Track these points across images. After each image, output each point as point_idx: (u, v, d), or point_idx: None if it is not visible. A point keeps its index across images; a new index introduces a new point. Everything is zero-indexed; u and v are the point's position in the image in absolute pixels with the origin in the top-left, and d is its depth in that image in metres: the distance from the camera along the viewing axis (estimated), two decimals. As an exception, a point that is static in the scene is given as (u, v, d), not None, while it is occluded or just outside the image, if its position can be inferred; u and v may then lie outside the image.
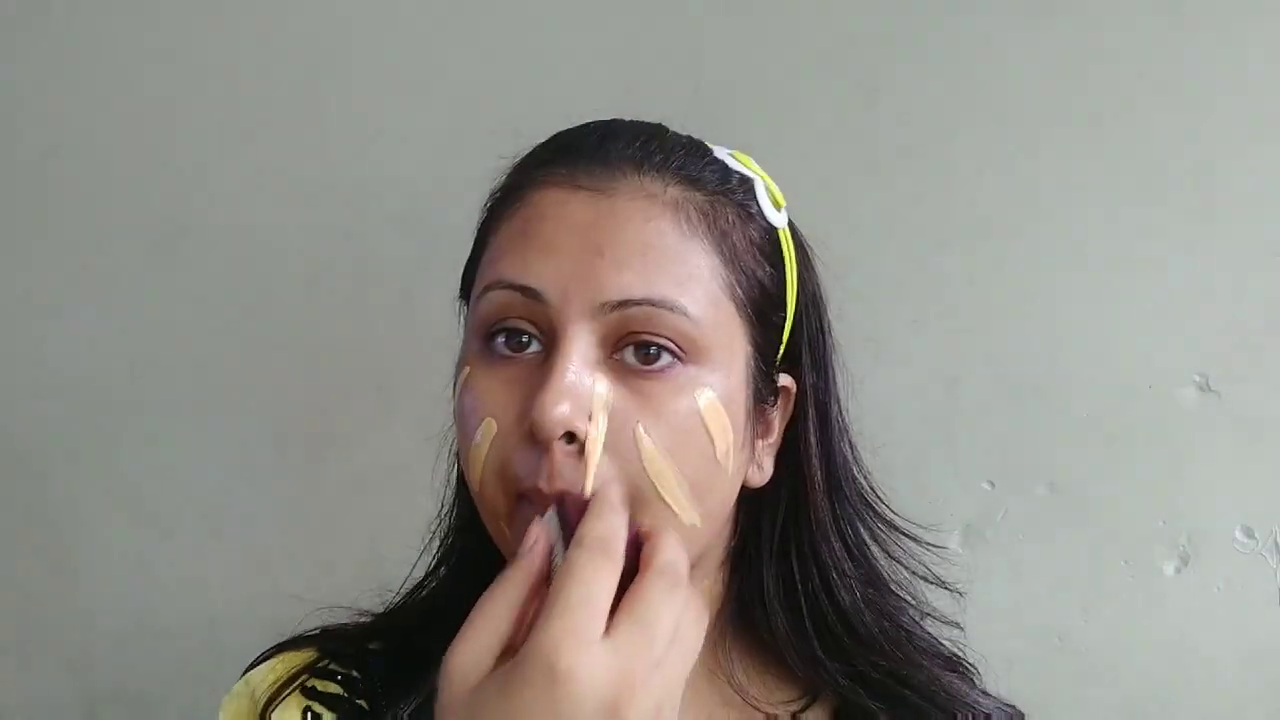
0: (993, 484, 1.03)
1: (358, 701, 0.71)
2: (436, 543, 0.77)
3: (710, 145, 0.71)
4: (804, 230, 0.75)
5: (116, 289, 1.14)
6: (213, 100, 1.13)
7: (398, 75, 1.10)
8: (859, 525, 0.73)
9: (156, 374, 1.13)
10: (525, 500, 0.63)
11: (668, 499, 0.63)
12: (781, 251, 0.70)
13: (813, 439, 0.71)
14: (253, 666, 0.75)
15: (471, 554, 0.73)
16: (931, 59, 1.03)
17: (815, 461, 0.71)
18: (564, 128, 0.74)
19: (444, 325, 0.78)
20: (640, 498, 0.62)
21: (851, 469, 0.74)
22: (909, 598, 0.75)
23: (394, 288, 1.09)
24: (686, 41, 1.06)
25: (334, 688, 0.72)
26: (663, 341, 0.63)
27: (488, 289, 0.65)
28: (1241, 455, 0.99)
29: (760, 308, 0.68)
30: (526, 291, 0.63)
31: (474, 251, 0.71)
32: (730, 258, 0.66)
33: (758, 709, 0.72)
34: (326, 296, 1.11)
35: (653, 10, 1.07)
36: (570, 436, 0.61)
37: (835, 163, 1.03)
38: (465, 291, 0.73)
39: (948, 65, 1.03)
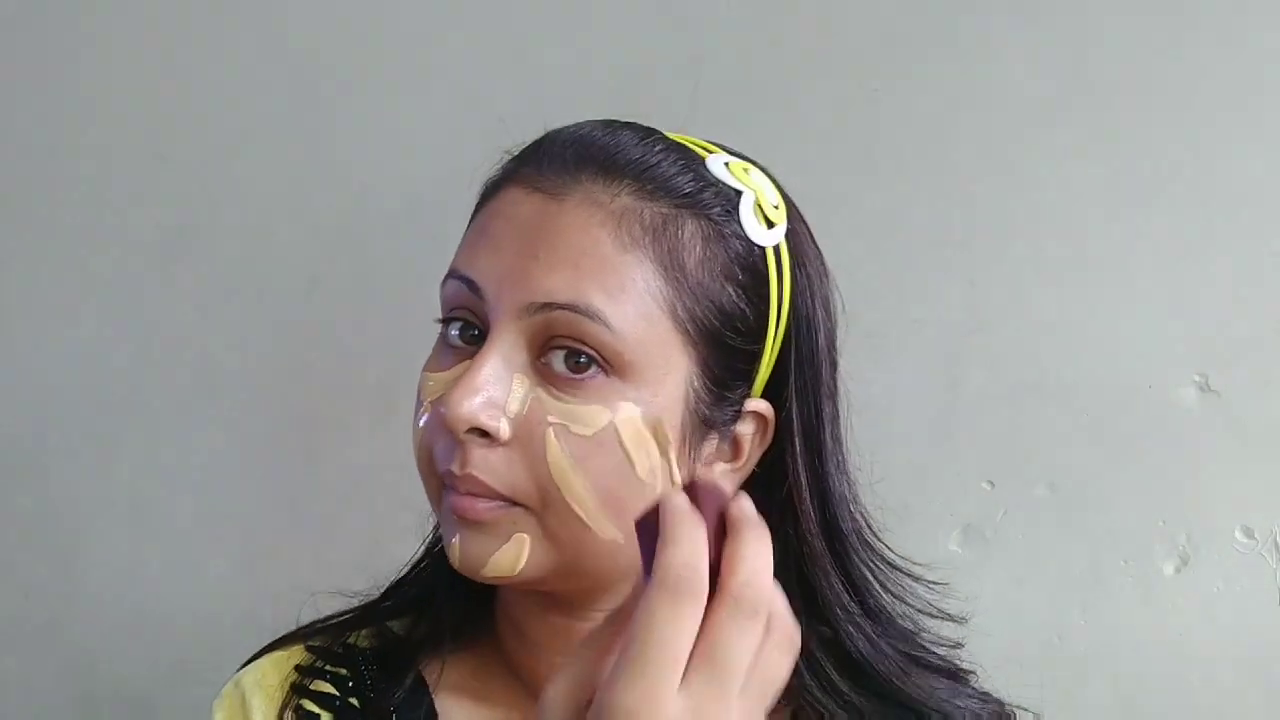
0: (993, 484, 1.03)
1: (350, 700, 0.71)
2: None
3: (707, 152, 0.69)
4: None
5: (117, 289, 1.14)
6: (213, 100, 1.13)
7: (398, 75, 1.10)
8: (858, 562, 0.71)
9: (156, 374, 1.13)
10: (445, 486, 0.65)
11: (574, 506, 0.63)
12: (764, 271, 0.67)
13: (801, 471, 0.69)
14: (242, 669, 0.75)
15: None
16: (931, 59, 1.03)
17: (807, 496, 0.69)
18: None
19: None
20: (546, 499, 0.63)
21: (848, 506, 0.72)
22: (911, 625, 0.74)
23: (394, 288, 1.09)
24: (686, 41, 1.06)
25: (325, 686, 0.72)
26: (589, 350, 0.63)
27: (446, 278, 0.67)
28: (1241, 455, 0.99)
29: (710, 328, 0.66)
30: (469, 284, 0.65)
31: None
32: (676, 275, 0.64)
33: None
34: (326, 296, 1.11)
35: (653, 10, 1.07)
36: (483, 432, 0.63)
37: (835, 163, 1.03)
38: None
39: (948, 65, 1.03)
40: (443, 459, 0.65)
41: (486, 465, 0.63)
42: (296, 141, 1.11)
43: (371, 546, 1.06)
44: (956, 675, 0.75)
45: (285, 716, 0.71)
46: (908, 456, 1.02)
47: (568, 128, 0.70)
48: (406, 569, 0.78)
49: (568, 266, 0.63)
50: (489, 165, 0.73)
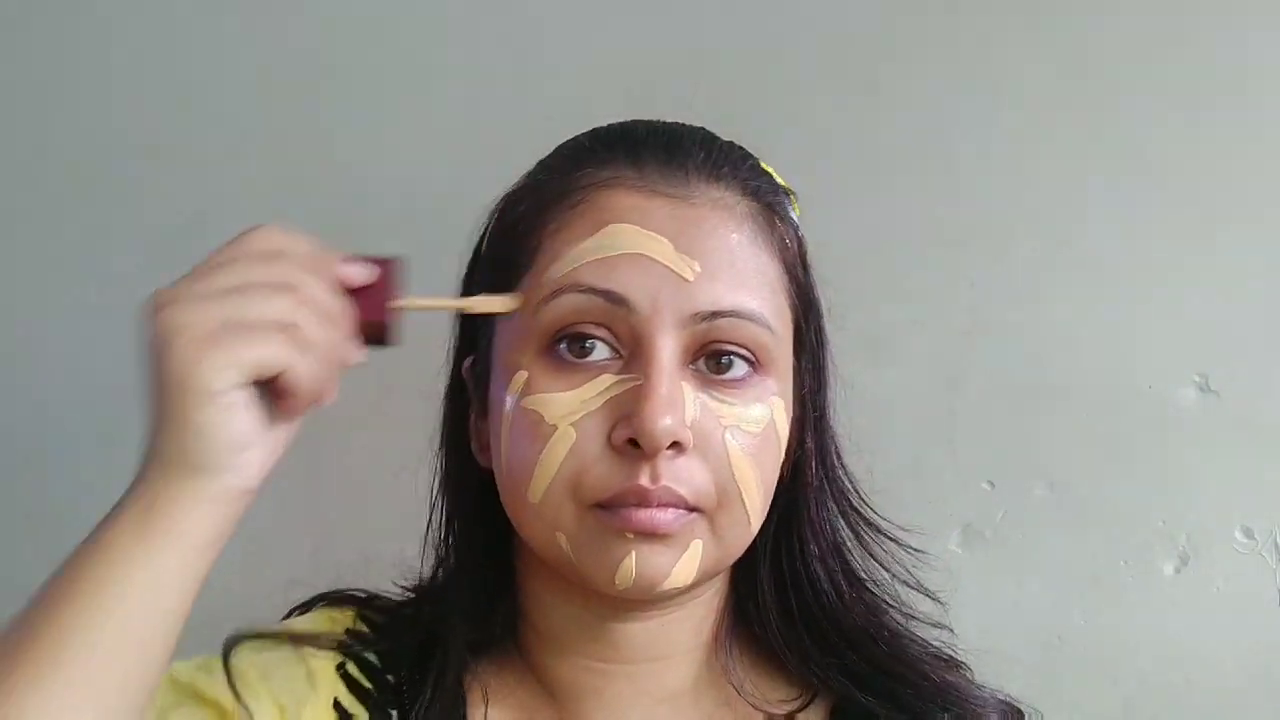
0: (993, 484, 1.03)
1: (387, 676, 0.71)
2: (441, 530, 0.77)
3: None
4: (804, 230, 0.75)
5: (117, 289, 1.14)
6: (213, 100, 1.13)
7: (398, 75, 1.10)
8: (840, 523, 0.73)
9: (156, 374, 1.13)
10: (600, 509, 0.63)
11: (748, 503, 0.65)
12: (806, 257, 0.72)
13: (810, 442, 0.72)
14: (289, 616, 0.75)
15: (480, 543, 0.74)
16: (931, 59, 1.03)
17: (813, 463, 0.72)
18: (562, 128, 0.74)
19: (444, 325, 0.78)
20: (723, 500, 0.64)
21: (838, 470, 0.74)
22: (889, 598, 0.75)
23: (394, 288, 1.09)
24: (686, 41, 1.06)
25: (370, 655, 0.71)
26: (742, 352, 0.65)
27: (560, 292, 0.64)
28: (1241, 455, 0.99)
29: (805, 314, 0.70)
30: (611, 297, 0.63)
31: (505, 250, 0.70)
32: (791, 267, 0.68)
33: (757, 708, 0.72)
34: (326, 296, 1.11)
35: (653, 10, 1.07)
36: (673, 443, 0.62)
37: (835, 162, 1.03)
38: (490, 289, 0.71)
39: (948, 65, 1.03)
40: (611, 478, 0.63)
41: (677, 475, 0.63)
42: (296, 141, 1.11)
43: (371, 546, 1.06)
44: (948, 661, 0.76)
45: (328, 666, 0.69)
46: (908, 456, 1.02)
47: (640, 127, 0.70)
48: (437, 567, 0.77)
49: (725, 272, 0.64)
50: (489, 164, 0.73)
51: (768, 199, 0.69)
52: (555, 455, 0.63)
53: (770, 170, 0.72)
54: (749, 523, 0.66)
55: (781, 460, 0.68)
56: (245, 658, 0.69)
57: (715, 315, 0.63)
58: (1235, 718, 1.00)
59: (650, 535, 0.63)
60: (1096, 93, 1.01)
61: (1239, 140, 0.99)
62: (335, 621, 0.73)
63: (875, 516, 0.75)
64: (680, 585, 0.65)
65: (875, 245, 1.03)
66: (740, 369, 0.65)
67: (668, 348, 0.63)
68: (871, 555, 0.74)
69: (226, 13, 1.13)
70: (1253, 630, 0.99)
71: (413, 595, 0.77)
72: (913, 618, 0.75)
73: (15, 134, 1.16)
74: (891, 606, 0.74)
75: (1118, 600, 1.01)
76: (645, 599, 0.66)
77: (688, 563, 0.64)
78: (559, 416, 0.63)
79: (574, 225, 0.65)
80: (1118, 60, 1.01)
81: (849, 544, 0.73)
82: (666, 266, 0.63)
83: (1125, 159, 1.01)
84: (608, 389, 0.63)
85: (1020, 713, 0.76)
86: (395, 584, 0.78)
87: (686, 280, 0.63)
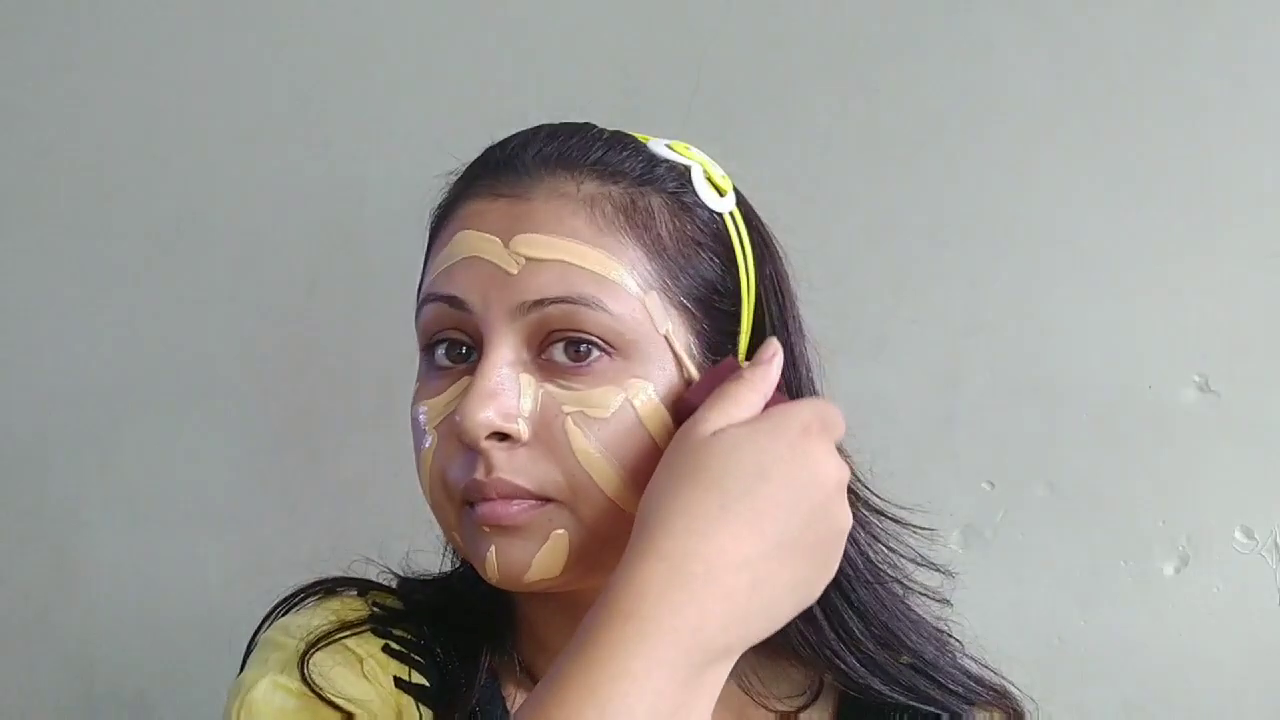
0: (993, 484, 1.03)
1: (414, 658, 0.69)
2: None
3: (645, 138, 0.70)
4: (804, 230, 0.74)
5: (116, 289, 1.14)
6: (213, 100, 1.13)
7: (397, 75, 1.11)
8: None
9: (156, 374, 1.13)
10: (469, 506, 0.64)
11: (605, 488, 0.63)
12: (727, 237, 0.69)
13: None
14: (276, 615, 0.73)
15: None
16: (931, 59, 1.04)
17: None
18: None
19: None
20: (576, 488, 0.63)
21: None
22: (901, 578, 0.74)
23: (394, 288, 1.09)
24: (686, 41, 1.06)
25: (403, 631, 0.70)
26: (588, 337, 0.63)
27: (423, 303, 0.67)
28: (1241, 455, 0.99)
29: (699, 295, 0.67)
30: (453, 302, 0.65)
31: (423, 269, 0.73)
32: (656, 248, 0.65)
33: (764, 706, 0.72)
34: (326, 296, 1.11)
35: (653, 10, 1.07)
36: (503, 436, 0.62)
37: (835, 162, 1.03)
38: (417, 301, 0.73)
39: (948, 65, 1.03)
40: (461, 475, 0.64)
41: (512, 466, 0.62)
42: (296, 141, 1.11)
43: (371, 546, 1.06)
44: (942, 638, 0.76)
45: (374, 648, 0.68)
46: (908, 456, 1.02)
47: (509, 137, 0.71)
48: (449, 567, 0.76)
49: (555, 260, 0.63)
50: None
51: (636, 180, 0.66)
52: (428, 459, 0.66)
53: (676, 150, 0.69)
54: (619, 507, 0.64)
55: (664, 442, 0.64)
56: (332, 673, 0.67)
57: (542, 303, 0.63)
58: (1235, 718, 1.00)
59: (500, 528, 0.63)
60: (1096, 93, 1.01)
61: (1238, 140, 0.99)
62: (347, 609, 0.72)
63: (878, 500, 0.74)
64: (549, 576, 0.64)
65: (875, 244, 1.03)
66: (593, 355, 0.64)
67: (501, 342, 0.63)
68: (876, 539, 0.74)
69: (226, 13, 1.13)
70: (1253, 630, 0.99)
71: (419, 581, 0.76)
72: (920, 594, 0.75)
73: (15, 133, 1.16)
74: (902, 585, 0.74)
75: (1118, 600, 1.01)
76: (528, 592, 0.66)
77: (551, 554, 0.63)
78: (428, 421, 0.66)
79: (440, 238, 0.69)
80: (1118, 60, 1.01)
81: (859, 532, 0.72)
82: (494, 264, 0.64)
83: (1125, 158, 1.01)
84: (463, 390, 0.64)
85: (1011, 700, 0.76)
86: (388, 570, 0.78)
87: (511, 274, 0.63)
